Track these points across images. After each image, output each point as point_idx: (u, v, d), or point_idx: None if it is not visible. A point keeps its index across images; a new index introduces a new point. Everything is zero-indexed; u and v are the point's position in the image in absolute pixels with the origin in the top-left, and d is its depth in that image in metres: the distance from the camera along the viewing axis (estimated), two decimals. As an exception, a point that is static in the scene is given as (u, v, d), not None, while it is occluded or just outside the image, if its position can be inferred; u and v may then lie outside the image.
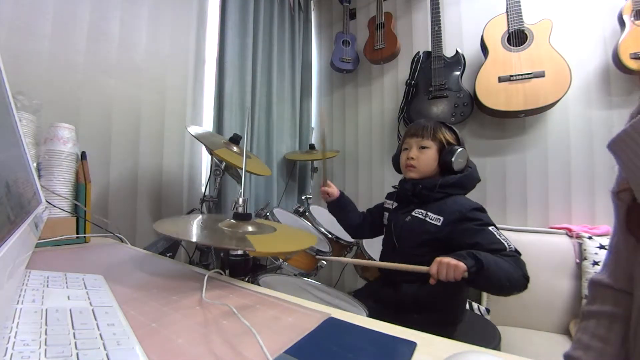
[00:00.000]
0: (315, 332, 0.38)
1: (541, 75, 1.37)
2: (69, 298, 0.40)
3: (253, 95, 1.68)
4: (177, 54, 1.38)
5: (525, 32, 1.42)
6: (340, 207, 1.14)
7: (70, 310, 0.36)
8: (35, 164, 0.78)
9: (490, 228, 0.81)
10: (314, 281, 0.99)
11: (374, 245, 1.30)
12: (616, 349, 0.45)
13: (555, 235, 1.40)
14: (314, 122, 2.25)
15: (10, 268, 0.29)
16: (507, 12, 1.45)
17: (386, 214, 1.07)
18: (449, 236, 0.85)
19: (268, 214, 1.25)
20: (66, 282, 0.46)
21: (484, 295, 1.40)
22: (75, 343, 0.29)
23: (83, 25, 1.06)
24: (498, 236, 0.79)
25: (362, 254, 1.30)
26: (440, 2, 1.65)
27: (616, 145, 0.36)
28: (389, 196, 1.10)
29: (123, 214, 1.17)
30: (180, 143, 1.39)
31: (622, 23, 1.30)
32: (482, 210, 0.87)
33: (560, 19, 1.44)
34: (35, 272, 0.48)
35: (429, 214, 0.90)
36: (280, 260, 1.09)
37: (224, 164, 1.15)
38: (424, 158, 0.95)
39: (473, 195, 0.95)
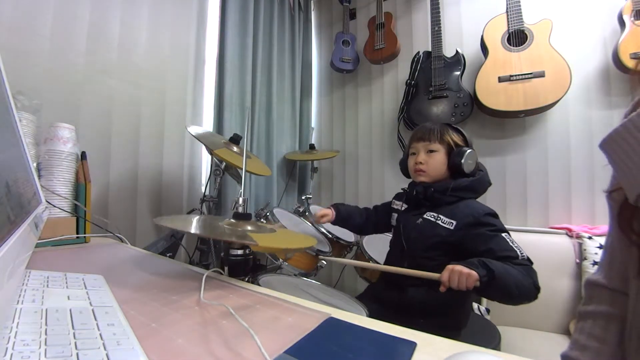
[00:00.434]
0: (315, 332, 0.38)
1: (541, 75, 1.37)
2: (69, 298, 0.40)
3: (253, 95, 1.68)
4: (177, 54, 1.38)
5: (525, 32, 1.42)
6: (341, 221, 1.15)
7: (70, 310, 0.36)
8: (35, 164, 0.78)
9: (503, 235, 0.80)
10: (314, 281, 0.99)
11: (374, 245, 1.30)
12: (613, 348, 0.45)
13: (555, 235, 1.40)
14: (314, 122, 2.25)
15: (10, 268, 0.29)
16: (507, 12, 1.45)
17: (394, 215, 1.05)
18: (461, 240, 0.84)
19: (268, 214, 1.25)
20: (66, 282, 0.46)
21: (484, 295, 1.40)
22: (75, 343, 0.29)
23: (83, 25, 1.06)
24: (511, 243, 0.78)
25: (362, 254, 1.30)
26: (440, 2, 1.65)
27: (608, 145, 0.36)
28: (398, 197, 1.08)
29: (123, 214, 1.17)
30: (180, 143, 1.39)
31: (622, 23, 1.30)
32: (495, 215, 0.86)
33: (560, 19, 1.44)
34: (35, 272, 0.48)
35: (441, 217, 0.88)
36: (280, 260, 1.09)
37: (224, 164, 1.15)
38: (432, 162, 0.94)
39: (481, 198, 0.94)
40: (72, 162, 0.85)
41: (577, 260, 1.30)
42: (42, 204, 0.58)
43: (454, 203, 0.90)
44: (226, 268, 0.64)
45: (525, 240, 1.43)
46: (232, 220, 0.67)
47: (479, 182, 0.93)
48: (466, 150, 0.90)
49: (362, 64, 2.04)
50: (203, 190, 1.37)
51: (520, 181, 1.57)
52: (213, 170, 1.20)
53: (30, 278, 0.45)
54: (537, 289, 0.73)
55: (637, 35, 1.25)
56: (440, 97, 1.61)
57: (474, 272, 0.68)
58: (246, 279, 0.66)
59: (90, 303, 0.39)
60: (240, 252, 0.65)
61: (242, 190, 0.75)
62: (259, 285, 0.61)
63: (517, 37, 1.43)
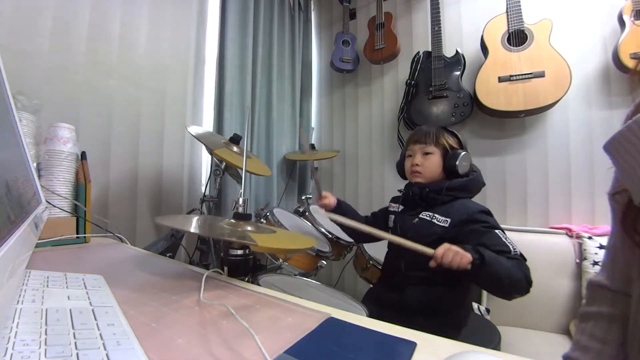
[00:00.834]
0: (315, 332, 0.38)
1: (541, 75, 1.37)
2: (69, 298, 0.40)
3: (253, 95, 1.68)
4: (177, 54, 1.38)
5: (525, 32, 1.42)
6: (339, 213, 1.13)
7: (70, 310, 0.36)
8: (35, 164, 0.78)
9: (496, 231, 0.82)
10: (314, 281, 1.00)
11: (374, 246, 1.30)
12: (615, 350, 0.45)
13: (555, 235, 1.40)
14: (314, 122, 2.25)
15: (10, 268, 0.29)
16: (507, 12, 1.45)
17: (391, 217, 1.07)
18: (456, 237, 0.85)
19: (268, 214, 1.25)
20: (66, 282, 0.46)
21: (484, 295, 1.40)
22: (75, 343, 0.29)
23: (83, 25, 1.06)
24: (504, 239, 0.80)
25: (362, 254, 1.30)
26: (440, 2, 1.65)
27: (612, 146, 0.36)
28: (394, 200, 1.10)
29: (123, 214, 1.17)
30: (180, 143, 1.39)
31: (622, 23, 1.30)
32: (489, 213, 0.88)
33: (560, 19, 1.44)
34: (35, 272, 0.48)
35: (436, 215, 0.91)
36: (280, 260, 1.09)
37: (224, 164, 1.15)
38: (428, 164, 0.97)
39: (476, 197, 0.96)
40: (72, 162, 0.85)
41: (577, 260, 1.30)
42: (42, 204, 0.58)
43: (449, 202, 0.92)
44: (226, 268, 0.64)
45: (525, 240, 1.44)
46: (232, 220, 0.67)
47: (473, 182, 0.95)
48: (460, 153, 0.93)
49: (362, 64, 2.04)
50: (203, 190, 1.37)
51: (520, 181, 1.57)
52: (213, 170, 1.20)
53: (30, 278, 0.45)
54: (528, 282, 0.74)
55: (637, 35, 1.25)
56: (440, 97, 1.61)
57: (468, 254, 0.71)
58: (246, 279, 0.66)
59: (90, 303, 0.39)
60: (240, 252, 0.65)
61: (242, 191, 0.76)
62: (259, 285, 0.61)
63: (517, 37, 1.43)
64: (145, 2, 1.25)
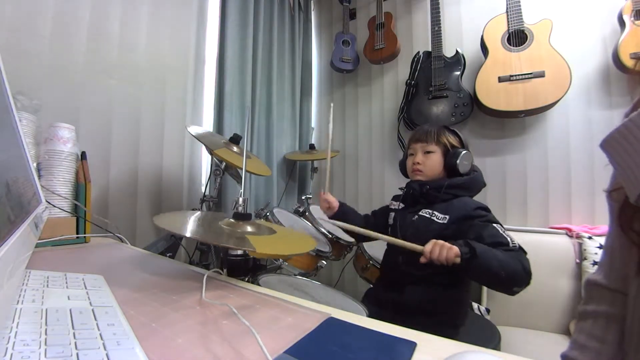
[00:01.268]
0: (315, 332, 0.38)
1: (541, 75, 1.37)
2: (69, 298, 0.40)
3: (253, 95, 1.68)
4: (177, 54, 1.38)
5: (525, 32, 1.42)
6: (342, 215, 1.15)
7: (70, 310, 0.36)
8: (35, 164, 0.78)
9: (494, 224, 0.82)
10: (314, 281, 0.99)
11: (374, 246, 1.30)
12: (613, 348, 0.45)
13: (555, 235, 1.40)
14: (314, 122, 2.25)
15: (10, 268, 0.29)
16: (507, 12, 1.45)
17: (391, 214, 1.08)
18: (455, 234, 0.86)
19: (268, 214, 1.25)
20: (66, 282, 0.46)
21: (484, 295, 1.40)
22: (75, 343, 0.29)
23: (83, 25, 1.06)
24: (502, 232, 0.81)
25: (362, 254, 1.30)
26: (440, 2, 1.65)
27: (609, 144, 0.36)
28: (395, 198, 1.11)
29: (123, 214, 1.17)
30: (180, 143, 1.39)
31: (622, 23, 1.30)
32: (487, 209, 0.89)
33: (560, 18, 1.44)
34: (35, 272, 0.48)
35: (436, 213, 0.91)
36: (280, 260, 1.09)
37: (224, 164, 1.15)
38: (429, 163, 0.98)
39: (475, 197, 0.96)
40: (72, 162, 0.85)
41: (577, 260, 1.30)
42: (42, 204, 0.58)
43: (448, 200, 0.93)
44: (225, 268, 0.64)
45: (525, 240, 1.41)
46: (231, 220, 0.67)
47: (473, 181, 0.96)
48: (461, 152, 0.94)
49: (362, 64, 2.04)
50: (203, 190, 1.37)
51: (520, 181, 1.57)
52: (213, 170, 1.20)
53: (30, 278, 0.45)
54: (527, 273, 0.74)
55: (637, 35, 1.25)
56: (440, 97, 1.61)
57: (455, 247, 0.71)
58: (246, 279, 0.66)
59: (90, 303, 0.39)
60: (240, 252, 0.65)
61: (242, 190, 0.75)
62: (259, 285, 0.61)
63: (517, 37, 1.43)
64: (145, 2, 1.25)
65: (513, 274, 0.72)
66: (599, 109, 1.42)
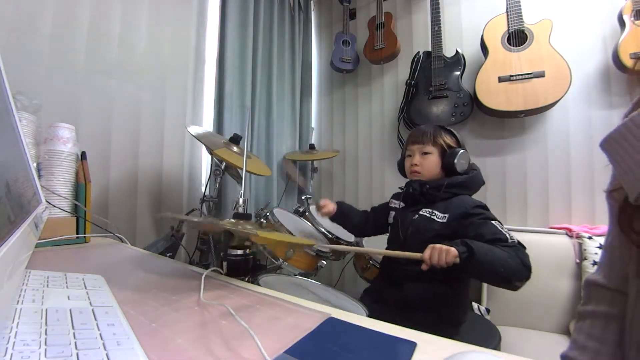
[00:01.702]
0: (315, 332, 0.38)
1: (541, 75, 1.37)
2: (69, 298, 0.40)
3: (253, 95, 1.68)
4: (177, 54, 1.38)
5: (525, 32, 1.42)
6: (341, 217, 1.16)
7: (70, 310, 0.36)
8: (35, 164, 0.78)
9: (492, 222, 0.83)
10: (314, 281, 0.99)
11: (374, 245, 1.30)
12: (612, 348, 0.45)
13: (555, 235, 1.39)
14: (314, 122, 2.25)
15: (10, 268, 0.29)
16: (507, 12, 1.45)
17: (392, 213, 1.08)
18: (454, 232, 0.86)
19: (268, 214, 1.25)
20: (66, 282, 0.46)
21: (484, 295, 1.40)
22: (75, 343, 0.29)
23: (83, 25, 1.06)
24: (500, 228, 0.81)
25: (362, 254, 1.30)
26: (440, 2, 1.65)
27: (608, 144, 0.36)
28: (395, 196, 1.11)
29: (123, 214, 1.17)
30: (180, 143, 1.39)
31: (622, 23, 1.30)
32: (485, 207, 0.90)
33: (560, 18, 1.44)
34: (35, 272, 0.48)
35: (435, 212, 0.92)
36: (280, 260, 1.09)
37: (224, 164, 1.15)
38: (427, 164, 0.98)
39: (474, 195, 0.96)
40: (72, 162, 0.85)
41: (577, 260, 1.30)
42: (42, 204, 0.58)
43: (448, 199, 0.93)
44: (225, 268, 0.64)
45: (525, 240, 1.41)
46: (231, 220, 0.67)
47: (473, 179, 0.97)
48: (459, 151, 0.95)
49: (362, 64, 2.04)
50: (203, 190, 1.37)
51: (520, 181, 1.57)
52: (213, 170, 1.20)
53: (30, 278, 0.45)
54: (526, 267, 0.74)
55: (637, 35, 1.24)
56: (440, 97, 1.61)
57: (452, 249, 0.71)
58: (246, 279, 0.66)
59: (90, 303, 0.39)
60: (240, 252, 0.65)
61: (242, 191, 0.75)
62: (259, 285, 0.61)
63: (517, 37, 1.43)
64: (145, 2, 1.25)
65: (512, 269, 0.72)
66: (599, 109, 1.42)
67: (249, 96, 1.64)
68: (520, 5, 1.42)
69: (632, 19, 1.26)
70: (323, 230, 1.32)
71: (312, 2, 2.21)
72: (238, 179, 1.23)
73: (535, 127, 1.54)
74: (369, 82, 2.05)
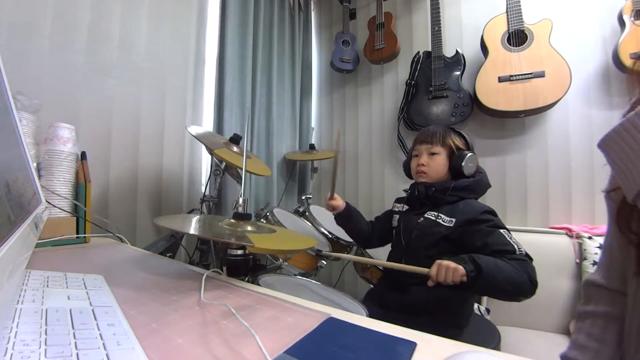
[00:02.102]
0: (315, 332, 0.38)
1: (541, 75, 1.37)
2: (69, 298, 0.40)
3: (253, 95, 1.68)
4: (177, 54, 1.38)
5: (525, 32, 1.42)
6: (347, 218, 1.13)
7: (70, 310, 0.36)
8: (35, 164, 0.78)
9: (501, 230, 0.81)
10: (314, 281, 1.00)
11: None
12: (612, 348, 0.45)
13: (555, 235, 1.39)
14: (314, 122, 2.25)
15: (10, 268, 0.29)
16: (507, 12, 1.45)
17: (396, 217, 1.07)
18: (460, 237, 0.85)
19: (268, 214, 1.25)
20: (66, 282, 0.46)
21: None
22: (75, 343, 0.29)
23: (83, 25, 1.06)
24: (509, 239, 0.80)
25: (362, 254, 1.30)
26: (440, 2, 1.65)
27: (606, 144, 0.36)
28: (399, 200, 1.10)
29: (123, 214, 1.17)
30: (180, 143, 1.39)
31: (622, 23, 1.30)
32: (494, 213, 0.88)
33: (560, 19, 1.44)
34: (35, 272, 0.48)
35: (441, 215, 0.91)
36: (280, 260, 1.09)
37: (224, 164, 1.15)
38: (434, 164, 0.97)
39: (480, 199, 0.95)
40: (72, 162, 0.85)
41: (577, 260, 1.30)
42: (42, 204, 0.58)
43: (454, 202, 0.92)
44: (225, 268, 0.64)
45: (525, 240, 1.40)
46: (231, 220, 0.67)
47: (479, 183, 0.95)
48: (467, 154, 0.93)
49: (362, 64, 2.04)
50: (203, 190, 1.37)
51: (520, 181, 1.57)
52: (213, 170, 1.20)
53: (30, 278, 0.45)
54: (533, 284, 0.73)
55: (637, 35, 1.25)
56: (440, 97, 1.61)
57: (460, 267, 0.70)
58: (246, 279, 0.66)
59: (90, 303, 0.39)
60: (240, 252, 0.65)
61: (242, 191, 0.75)
62: (259, 285, 0.61)
63: (517, 37, 1.43)
64: (145, 2, 1.25)
65: (519, 286, 0.71)
66: (599, 109, 1.42)
67: (249, 96, 1.64)
68: (520, 5, 1.42)
69: (632, 19, 1.26)
70: (323, 230, 1.32)
71: (312, 2, 2.21)
72: (238, 179, 1.23)
73: (535, 127, 1.54)
74: (369, 82, 2.05)
